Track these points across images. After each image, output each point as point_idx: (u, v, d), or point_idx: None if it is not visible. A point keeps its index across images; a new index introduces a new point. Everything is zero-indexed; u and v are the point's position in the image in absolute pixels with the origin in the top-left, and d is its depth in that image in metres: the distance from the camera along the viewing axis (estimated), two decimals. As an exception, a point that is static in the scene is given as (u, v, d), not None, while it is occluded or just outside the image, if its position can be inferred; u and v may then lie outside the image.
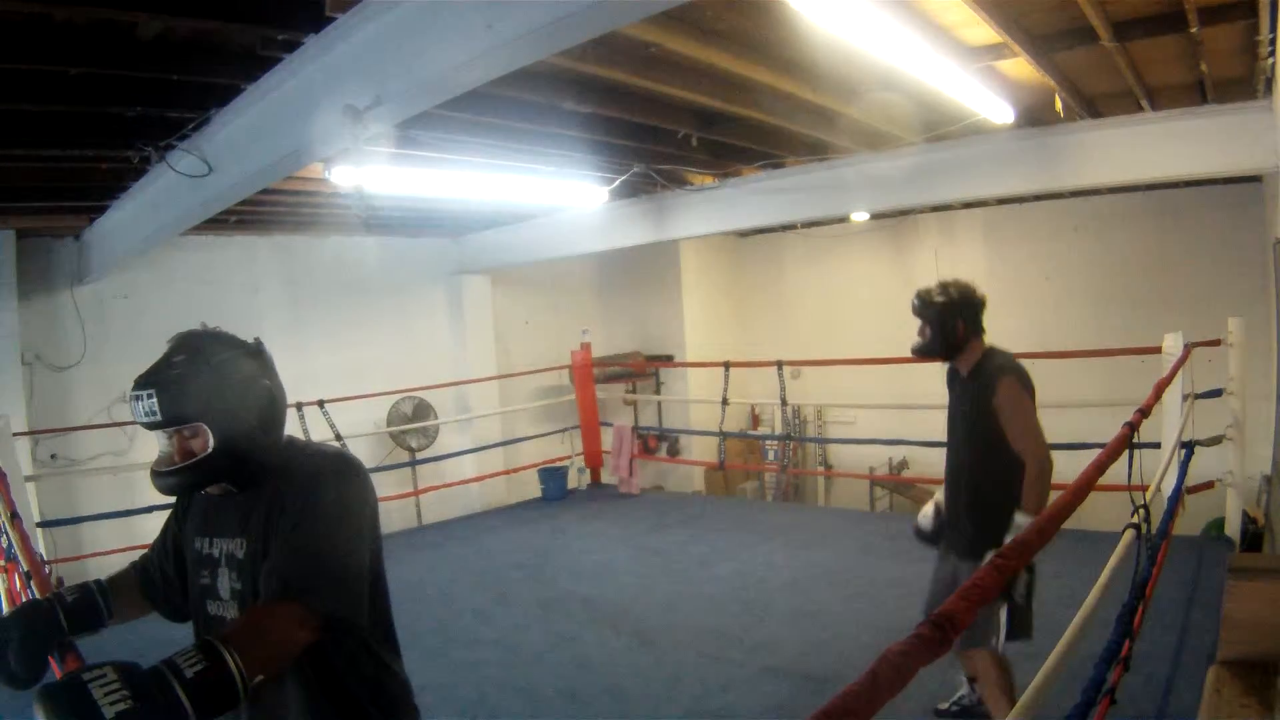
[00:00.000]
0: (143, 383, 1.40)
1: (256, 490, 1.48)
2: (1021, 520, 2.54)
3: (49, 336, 5.96)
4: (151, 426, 1.41)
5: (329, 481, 1.46)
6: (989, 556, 2.47)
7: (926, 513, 3.01)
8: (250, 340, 1.55)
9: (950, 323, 2.73)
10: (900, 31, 3.01)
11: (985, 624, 2.54)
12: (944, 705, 3.12)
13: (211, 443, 1.41)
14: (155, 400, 1.38)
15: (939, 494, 3.01)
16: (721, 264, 10.44)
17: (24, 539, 2.69)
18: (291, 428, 5.95)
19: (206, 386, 1.41)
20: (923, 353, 2.83)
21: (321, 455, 1.55)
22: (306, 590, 1.33)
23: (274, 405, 1.52)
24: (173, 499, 1.61)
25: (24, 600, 1.53)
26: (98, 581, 1.55)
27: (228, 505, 1.51)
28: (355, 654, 1.48)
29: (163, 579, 1.61)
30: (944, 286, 2.79)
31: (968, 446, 2.79)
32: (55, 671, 1.45)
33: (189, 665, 1.12)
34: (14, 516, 3.13)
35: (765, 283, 10.52)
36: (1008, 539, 2.50)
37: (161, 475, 1.44)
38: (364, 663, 1.51)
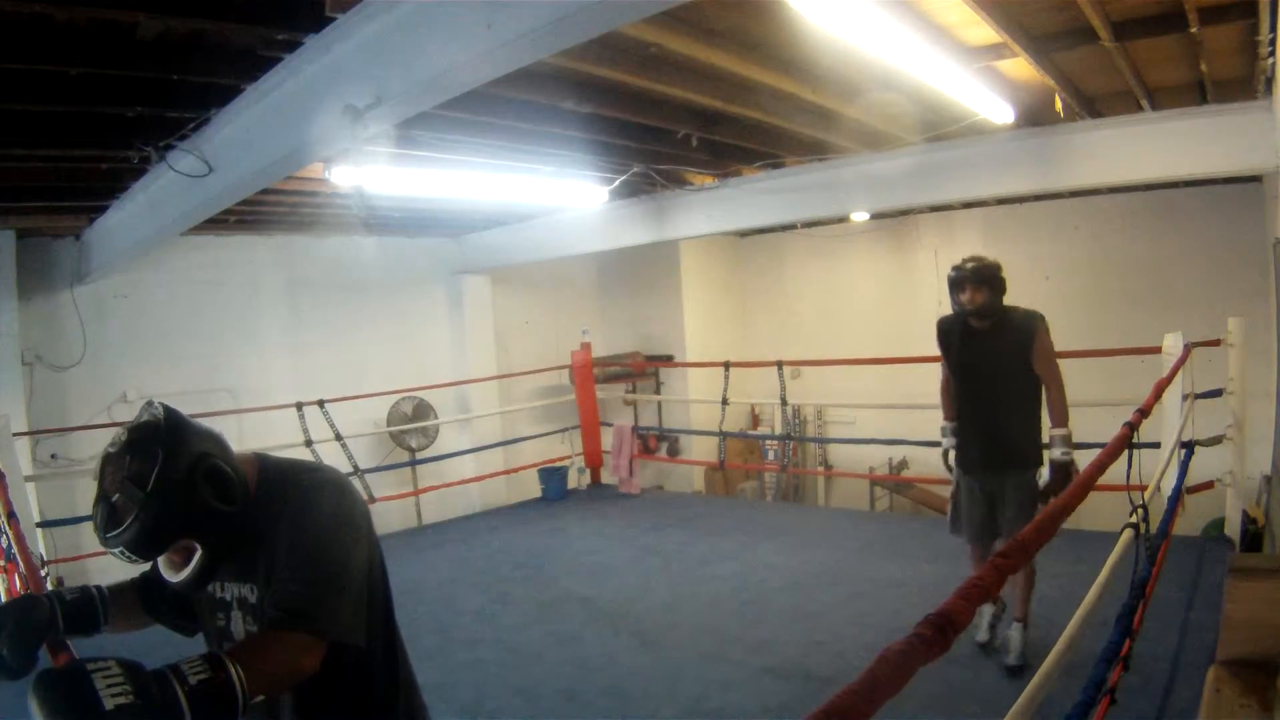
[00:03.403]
0: (109, 541, 1.30)
1: (255, 534, 1.43)
2: (1059, 432, 3.26)
3: (49, 336, 5.97)
4: (116, 548, 1.32)
5: (313, 506, 1.42)
6: (1044, 477, 3.27)
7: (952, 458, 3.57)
8: (154, 407, 1.38)
9: (1002, 287, 3.30)
10: (900, 31, 3.01)
11: (1029, 518, 3.03)
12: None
13: (199, 548, 1.36)
14: (130, 552, 1.31)
15: (946, 439, 3.56)
16: (721, 264, 10.43)
17: (20, 539, 2.69)
18: (291, 428, 5.97)
19: (165, 514, 1.29)
20: (986, 313, 3.31)
21: (301, 478, 1.48)
22: (309, 619, 1.31)
23: (223, 471, 1.37)
24: None
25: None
26: (98, 587, 1.54)
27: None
28: (353, 673, 1.46)
29: (161, 599, 1.59)
30: (983, 257, 3.33)
31: (1003, 383, 3.31)
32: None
33: (193, 673, 1.12)
34: (10, 516, 3.13)
35: (765, 283, 10.51)
36: (1055, 449, 3.26)
37: (180, 582, 1.40)
38: (363, 680, 1.49)
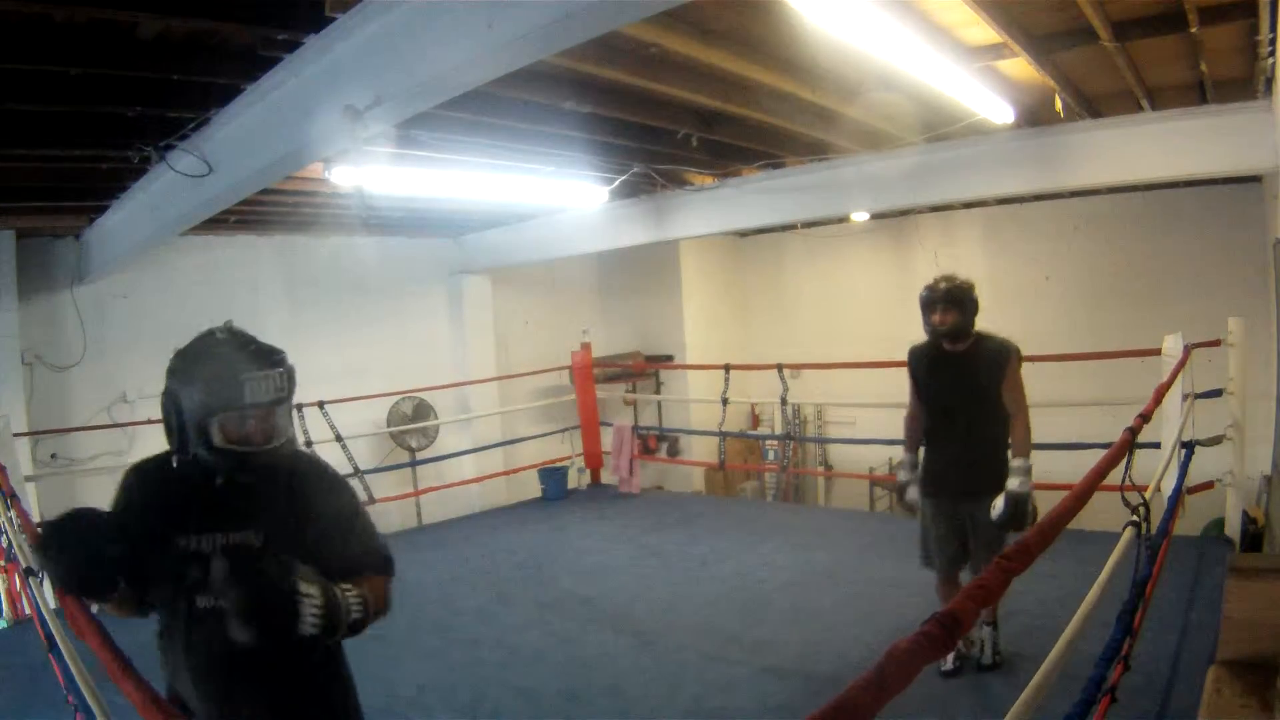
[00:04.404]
0: (273, 360, 1.54)
1: (265, 480, 1.56)
2: (1018, 463, 3.14)
3: (49, 336, 5.96)
4: (275, 403, 1.54)
5: (351, 489, 1.72)
6: (998, 508, 3.10)
7: (913, 494, 3.46)
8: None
9: (974, 307, 3.23)
10: (900, 31, 3.01)
11: (998, 547, 3.10)
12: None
13: (288, 425, 1.61)
14: (286, 377, 1.53)
15: (905, 472, 3.48)
16: (721, 264, 10.44)
17: (24, 516, 2.69)
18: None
19: (291, 370, 1.59)
20: (957, 334, 3.23)
21: (323, 462, 1.77)
22: (387, 571, 1.63)
23: None
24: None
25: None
26: None
27: (226, 498, 1.54)
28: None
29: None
30: (956, 277, 3.27)
31: (975, 408, 3.25)
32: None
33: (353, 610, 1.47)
34: (12, 497, 3.14)
35: (765, 283, 10.51)
36: (1012, 479, 3.11)
37: (264, 452, 1.54)
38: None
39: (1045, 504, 1.97)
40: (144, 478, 1.62)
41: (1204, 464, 4.54)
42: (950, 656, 3.32)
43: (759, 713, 3.23)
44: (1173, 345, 4.41)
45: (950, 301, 3.20)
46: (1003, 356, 3.21)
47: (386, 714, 3.27)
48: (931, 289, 3.25)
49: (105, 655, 1.42)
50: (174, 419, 1.56)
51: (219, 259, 6.81)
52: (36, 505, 5.11)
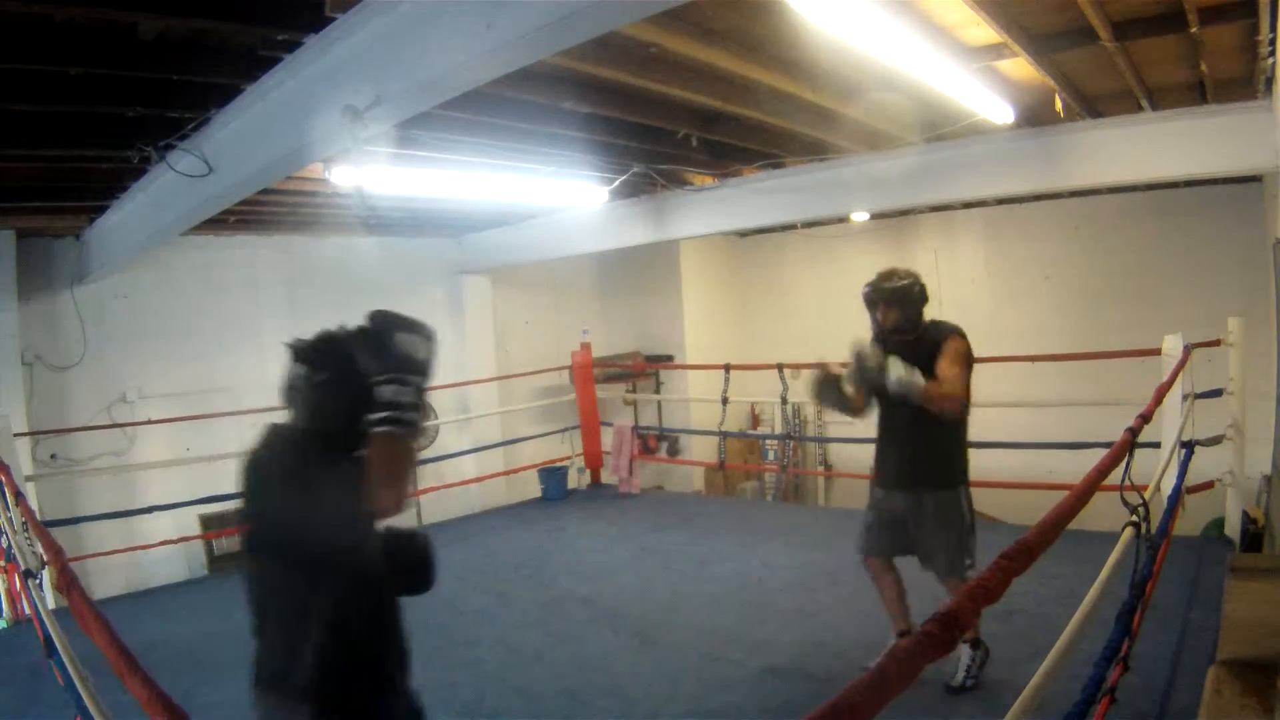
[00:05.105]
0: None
1: None
2: (918, 379, 2.92)
3: (49, 336, 5.96)
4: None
5: None
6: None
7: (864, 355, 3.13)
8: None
9: (919, 301, 3.15)
10: (900, 31, 3.01)
11: (959, 554, 3.11)
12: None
13: None
14: None
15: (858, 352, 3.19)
16: (721, 264, 10.43)
17: (30, 516, 2.68)
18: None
19: None
20: (903, 331, 3.14)
21: None
22: None
23: None
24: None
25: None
26: None
27: None
28: None
29: None
30: (897, 273, 3.18)
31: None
32: None
33: None
34: (19, 496, 3.14)
35: (765, 283, 10.51)
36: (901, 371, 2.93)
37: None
38: None
39: (1045, 503, 1.97)
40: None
41: (1204, 464, 4.53)
42: None
43: (759, 713, 3.23)
44: (1173, 345, 4.40)
45: (891, 300, 3.14)
46: (942, 336, 3.10)
47: (386, 714, 3.27)
48: (874, 287, 3.18)
49: (112, 653, 1.42)
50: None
51: (219, 259, 6.80)
52: (37, 505, 5.11)
